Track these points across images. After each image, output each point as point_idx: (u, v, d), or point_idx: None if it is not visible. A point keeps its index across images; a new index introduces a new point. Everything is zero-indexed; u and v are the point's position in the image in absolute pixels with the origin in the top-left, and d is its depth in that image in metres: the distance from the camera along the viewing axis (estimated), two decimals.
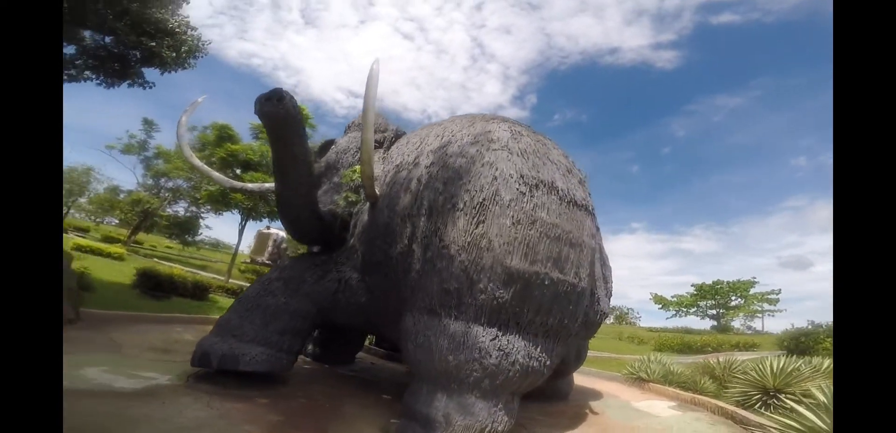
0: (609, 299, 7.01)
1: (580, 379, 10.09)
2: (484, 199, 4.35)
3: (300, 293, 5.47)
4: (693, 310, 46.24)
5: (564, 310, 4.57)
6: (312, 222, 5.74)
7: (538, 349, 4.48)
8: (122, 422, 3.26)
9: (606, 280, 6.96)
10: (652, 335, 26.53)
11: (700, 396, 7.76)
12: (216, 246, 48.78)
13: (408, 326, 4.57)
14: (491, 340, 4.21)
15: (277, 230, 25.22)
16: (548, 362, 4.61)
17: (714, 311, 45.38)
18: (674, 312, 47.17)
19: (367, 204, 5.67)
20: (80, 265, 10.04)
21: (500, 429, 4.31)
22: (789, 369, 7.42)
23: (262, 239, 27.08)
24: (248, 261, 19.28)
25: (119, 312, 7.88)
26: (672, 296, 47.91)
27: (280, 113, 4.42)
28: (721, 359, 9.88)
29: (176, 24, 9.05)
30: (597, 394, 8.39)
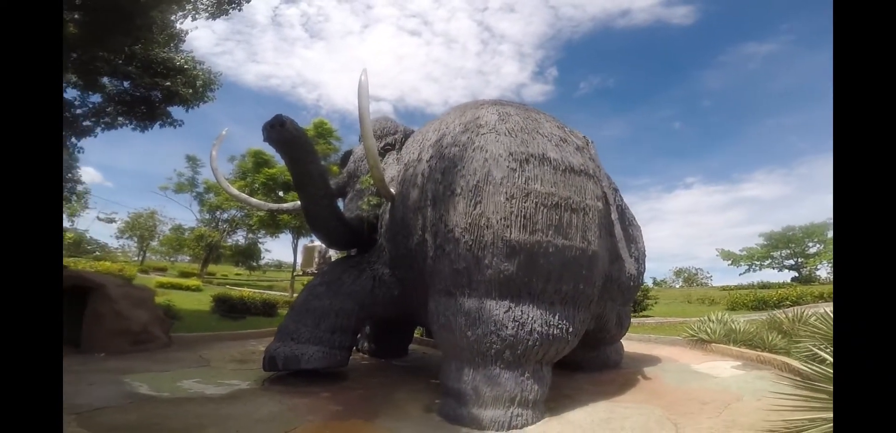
0: (640, 260, 6.93)
1: (640, 346, 9.88)
2: (478, 182, 4.58)
3: (342, 293, 6.05)
4: (767, 262, 42.03)
5: (578, 275, 4.70)
6: (339, 230, 6.26)
7: (556, 316, 4.66)
8: (215, 420, 4.04)
9: (635, 241, 6.89)
10: (724, 295, 24.38)
11: (766, 354, 7.29)
12: (279, 266, 52.19)
13: (431, 309, 4.98)
14: (505, 312, 4.46)
15: (321, 243, 26.39)
16: (570, 329, 4.76)
17: (791, 262, 41.18)
18: (746, 267, 42.94)
19: (389, 204, 6.09)
20: (165, 298, 11.49)
21: (530, 397, 4.54)
22: None
23: (308, 252, 28.78)
24: (301, 273, 20.71)
25: (203, 333, 9.04)
26: (741, 250, 43.80)
27: (285, 137, 4.90)
28: (789, 314, 9.24)
29: (182, 60, 9.52)
30: (654, 360, 8.13)
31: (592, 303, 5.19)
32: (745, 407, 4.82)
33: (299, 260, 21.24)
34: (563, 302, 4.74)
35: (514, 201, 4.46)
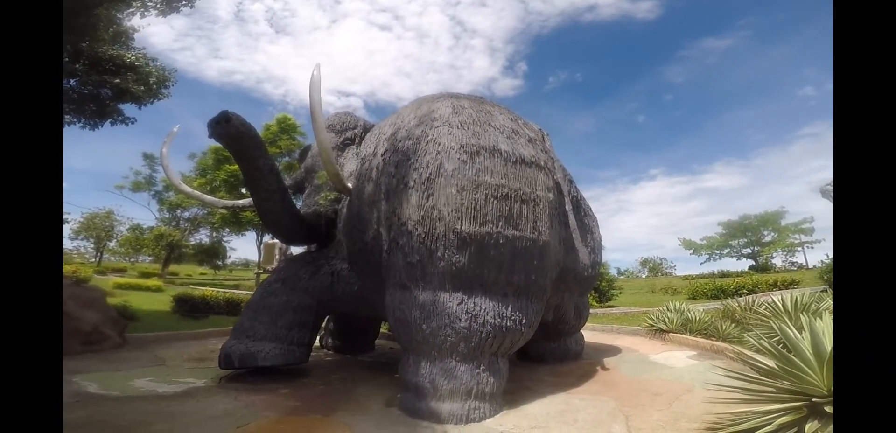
0: (595, 251, 7.09)
1: (600, 337, 10.18)
2: (430, 174, 4.61)
3: (298, 289, 5.99)
4: (726, 251, 43.75)
5: (529, 266, 4.76)
6: (294, 225, 6.18)
7: (509, 308, 4.73)
8: (165, 417, 3.95)
9: (591, 231, 7.04)
10: (686, 283, 25.46)
11: (720, 343, 7.58)
12: (246, 265, 50.69)
13: (388, 303, 4.98)
14: (458, 304, 4.50)
15: None
16: (523, 320, 4.82)
17: (748, 250, 43.16)
18: (707, 256, 44.74)
19: (347, 198, 6.03)
20: (123, 299, 10.97)
21: (487, 390, 4.59)
22: (807, 302, 7.10)
23: (268, 249, 28.25)
24: (262, 271, 20.20)
25: (161, 333, 8.74)
26: (701, 240, 45.58)
27: (231, 133, 4.83)
28: (742, 302, 9.69)
29: (133, 57, 9.21)
30: (614, 350, 8.33)
31: (545, 293, 5.28)
32: (695, 398, 5.04)
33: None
34: (515, 293, 4.80)
35: (464, 193, 4.51)
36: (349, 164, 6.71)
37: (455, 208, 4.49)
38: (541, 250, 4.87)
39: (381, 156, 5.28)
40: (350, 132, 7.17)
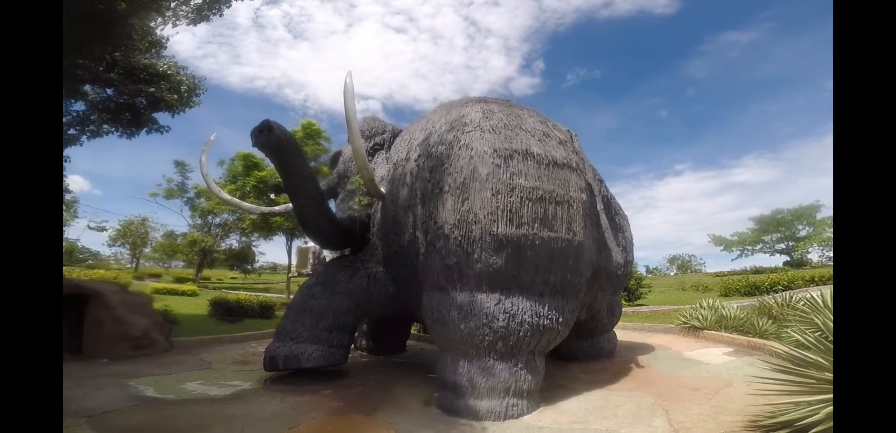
0: (627, 249, 7.05)
1: (632, 335, 10.04)
2: (465, 179, 4.70)
3: (337, 292, 6.15)
4: (758, 246, 41.93)
5: (565, 266, 4.83)
6: (332, 230, 6.37)
7: (546, 307, 4.80)
8: (220, 420, 4.18)
9: (622, 230, 7.02)
10: (717, 281, 24.69)
11: (757, 340, 7.43)
12: (274, 269, 51.98)
13: (425, 305, 5.11)
14: (495, 304, 4.59)
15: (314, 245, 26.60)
16: (560, 319, 4.89)
17: (782, 245, 41.43)
18: (738, 252, 42.88)
19: (380, 203, 6.18)
20: (162, 304, 11.49)
21: (524, 387, 4.66)
22: None
23: (302, 254, 29.09)
24: (296, 274, 20.73)
25: (203, 337, 9.12)
26: (733, 235, 43.70)
27: (273, 142, 4.99)
28: (779, 299, 9.41)
29: (165, 66, 9.48)
30: (647, 348, 8.25)
31: (581, 292, 5.33)
32: (735, 392, 4.99)
33: (294, 261, 21.23)
34: (551, 292, 4.87)
35: (499, 196, 4.58)
36: (380, 169, 6.86)
37: (491, 211, 4.58)
38: (576, 250, 4.93)
39: (415, 161, 5.40)
40: (379, 137, 7.33)
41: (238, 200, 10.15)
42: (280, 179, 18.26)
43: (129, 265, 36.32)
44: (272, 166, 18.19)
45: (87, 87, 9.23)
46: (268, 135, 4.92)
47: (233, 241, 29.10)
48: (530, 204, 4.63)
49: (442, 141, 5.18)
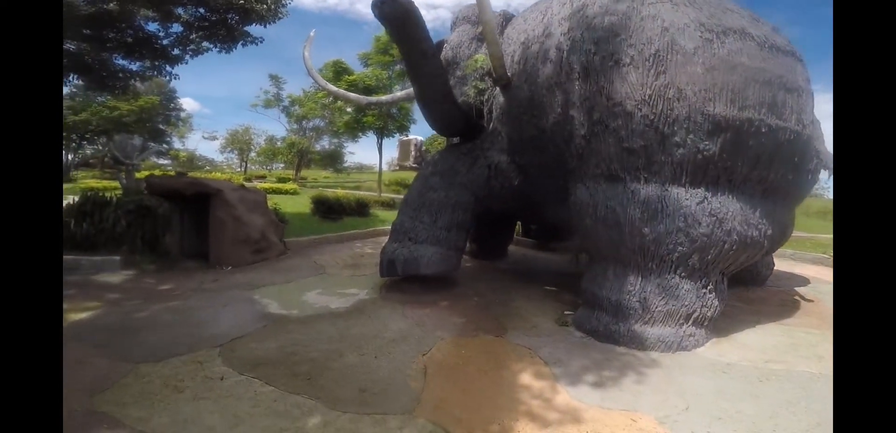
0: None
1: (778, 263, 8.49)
2: (657, 51, 3.83)
3: (457, 184, 5.65)
4: None
5: (788, 163, 3.92)
6: (455, 113, 5.76)
7: (757, 213, 3.85)
8: (349, 344, 3.82)
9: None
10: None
11: None
12: (361, 168, 55.12)
13: (582, 199, 4.23)
14: (698, 204, 3.69)
15: (415, 136, 28.87)
16: (768, 232, 3.96)
17: None
18: None
19: (497, 88, 5.44)
20: (271, 203, 12.24)
21: (708, 313, 3.88)
22: None
23: (404, 146, 30.32)
24: (397, 167, 21.51)
25: (312, 237, 9.40)
26: None
27: (397, 12, 4.42)
28: None
29: None
30: (801, 280, 7.28)
31: (799, 200, 4.48)
32: None
33: (385, 160, 21.71)
34: (765, 194, 3.91)
35: (716, 73, 3.71)
36: None
37: (704, 88, 3.67)
38: (804, 146, 4.01)
39: (563, 35, 4.45)
40: None
41: (345, 92, 10.59)
42: (369, 81, 18.06)
43: (239, 169, 40.59)
44: (361, 70, 18.17)
45: (180, 10, 9.57)
46: (392, 4, 4.32)
47: (325, 143, 31.03)
48: (757, 86, 3.74)
49: (608, 11, 4.19)
